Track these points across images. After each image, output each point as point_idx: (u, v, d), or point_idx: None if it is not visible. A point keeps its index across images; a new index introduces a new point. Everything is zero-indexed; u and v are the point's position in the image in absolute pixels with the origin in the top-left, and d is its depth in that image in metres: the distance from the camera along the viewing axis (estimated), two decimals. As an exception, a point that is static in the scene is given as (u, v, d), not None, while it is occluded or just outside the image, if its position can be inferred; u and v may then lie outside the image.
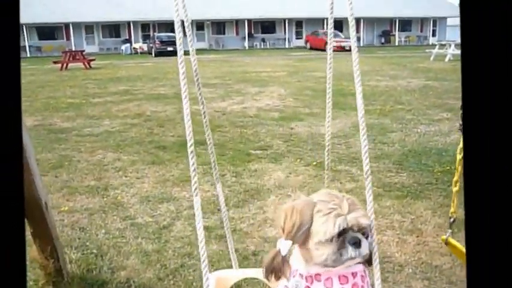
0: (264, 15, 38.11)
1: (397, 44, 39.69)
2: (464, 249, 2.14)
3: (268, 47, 38.61)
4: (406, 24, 41.29)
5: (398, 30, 40.56)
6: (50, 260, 2.58)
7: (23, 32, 32.71)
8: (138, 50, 33.68)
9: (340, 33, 29.15)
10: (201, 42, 37.35)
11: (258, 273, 1.86)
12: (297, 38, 40.07)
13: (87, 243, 3.27)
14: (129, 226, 3.56)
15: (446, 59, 19.22)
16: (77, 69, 18.90)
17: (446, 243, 2.22)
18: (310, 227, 1.19)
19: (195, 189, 1.24)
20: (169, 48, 28.22)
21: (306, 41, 36.75)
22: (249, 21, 38.26)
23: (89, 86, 13.14)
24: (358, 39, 37.17)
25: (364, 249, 1.19)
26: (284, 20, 38.93)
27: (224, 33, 39.59)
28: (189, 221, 3.60)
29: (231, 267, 2.20)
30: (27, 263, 2.59)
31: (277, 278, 1.27)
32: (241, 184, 4.46)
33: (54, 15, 33.72)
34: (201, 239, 1.22)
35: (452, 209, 2.22)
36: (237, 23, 38.88)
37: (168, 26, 34.77)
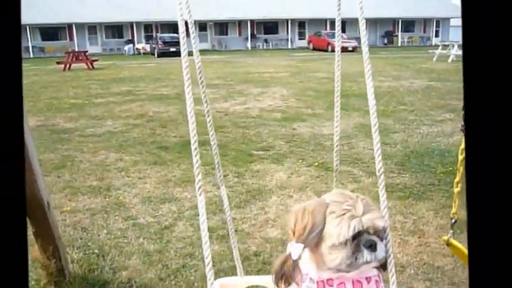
0: (267, 16, 38.14)
1: (400, 44, 39.65)
2: (465, 250, 2.14)
3: (270, 47, 38.62)
4: (409, 24, 41.24)
5: (401, 31, 40.52)
6: (52, 259, 2.59)
7: (27, 32, 32.84)
8: (141, 51, 33.76)
9: (343, 34, 29.10)
10: (203, 43, 37.40)
11: (263, 280, 1.84)
12: (299, 39, 40.08)
13: (89, 243, 3.27)
14: (131, 226, 3.56)
15: (449, 60, 19.19)
16: (80, 69, 18.95)
17: (448, 244, 2.22)
18: (322, 230, 1.13)
19: (200, 187, 1.20)
20: (172, 49, 28.29)
21: (309, 42, 36.74)
22: (252, 21, 38.30)
23: (91, 87, 13.17)
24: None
25: (380, 252, 1.13)
26: (287, 20, 38.94)
27: (227, 34, 39.63)
28: (190, 221, 3.61)
29: (232, 267, 2.20)
30: (29, 262, 2.60)
31: (287, 283, 1.21)
32: (243, 185, 4.46)
33: (58, 16, 33.85)
34: (206, 247, 1.19)
35: (453, 210, 2.21)
36: (240, 23, 38.93)
37: (171, 26, 34.84)
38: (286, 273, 1.19)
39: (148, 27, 37.55)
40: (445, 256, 2.95)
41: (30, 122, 7.14)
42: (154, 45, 31.21)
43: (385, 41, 40.71)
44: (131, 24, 36.62)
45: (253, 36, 39.05)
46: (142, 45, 34.53)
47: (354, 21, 35.58)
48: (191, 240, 3.28)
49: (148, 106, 9.47)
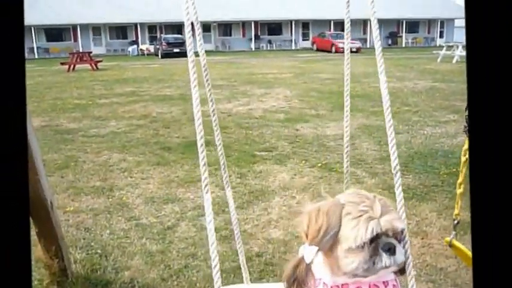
0: (271, 17, 38.13)
1: (404, 45, 39.53)
2: (467, 251, 2.13)
3: (274, 48, 38.61)
4: (413, 25, 41.12)
5: (406, 32, 40.40)
6: (55, 259, 2.59)
7: (31, 33, 32.98)
8: (145, 52, 33.83)
9: (346, 35, 29.06)
10: (207, 43, 37.41)
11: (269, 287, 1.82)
12: (303, 40, 40.04)
13: (92, 244, 3.28)
14: (133, 227, 3.57)
15: (454, 61, 19.12)
16: (84, 70, 19.01)
17: (450, 245, 2.21)
18: (338, 232, 1.05)
19: (206, 185, 1.18)
20: (176, 50, 28.33)
21: (313, 43, 36.69)
22: (256, 22, 38.30)
23: (95, 87, 13.21)
24: (365, 40, 37.08)
25: (399, 256, 1.06)
26: (291, 21, 38.92)
27: (230, 35, 39.65)
28: (193, 221, 3.61)
29: (234, 267, 2.19)
30: (32, 262, 2.60)
31: None
32: (246, 185, 4.46)
33: (62, 17, 33.98)
34: (213, 256, 1.17)
35: (456, 211, 2.20)
36: (244, 24, 38.94)
37: (175, 27, 34.90)
38: (299, 278, 1.12)
39: (152, 28, 37.62)
40: (448, 257, 2.94)
41: (34, 122, 7.16)
42: (158, 46, 31.27)
43: (390, 41, 40.58)
44: (135, 25, 36.70)
45: (257, 37, 39.05)
46: (146, 46, 34.60)
47: (358, 22, 35.57)
48: (193, 240, 3.28)
49: (152, 107, 9.49)
